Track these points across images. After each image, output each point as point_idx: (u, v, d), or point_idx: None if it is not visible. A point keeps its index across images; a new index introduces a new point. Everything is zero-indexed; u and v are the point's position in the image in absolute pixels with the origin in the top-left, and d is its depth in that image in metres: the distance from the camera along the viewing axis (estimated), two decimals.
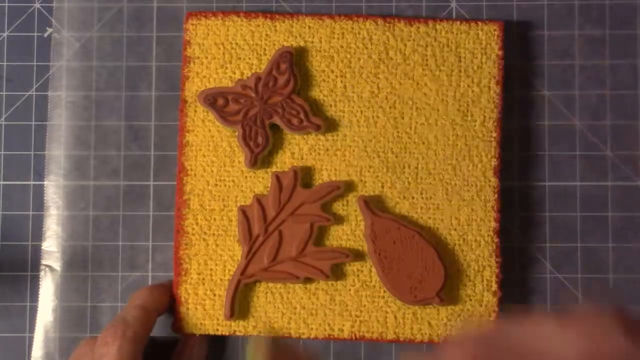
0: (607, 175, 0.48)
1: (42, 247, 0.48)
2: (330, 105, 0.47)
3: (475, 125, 0.47)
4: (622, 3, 0.49)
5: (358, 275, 0.46)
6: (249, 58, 0.47)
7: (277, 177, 0.46)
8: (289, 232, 0.46)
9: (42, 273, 0.48)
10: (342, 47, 0.47)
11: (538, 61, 0.49)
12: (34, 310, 0.48)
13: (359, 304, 0.46)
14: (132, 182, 0.48)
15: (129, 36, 0.49)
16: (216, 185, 0.47)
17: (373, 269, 0.46)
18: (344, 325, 0.46)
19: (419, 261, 0.45)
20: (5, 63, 0.49)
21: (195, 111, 0.47)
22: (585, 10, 0.49)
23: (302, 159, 0.47)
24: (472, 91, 0.47)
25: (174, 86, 0.49)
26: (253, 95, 0.46)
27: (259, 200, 0.46)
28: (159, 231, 0.48)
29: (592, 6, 0.49)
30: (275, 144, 0.47)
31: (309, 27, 0.47)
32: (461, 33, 0.47)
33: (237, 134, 0.46)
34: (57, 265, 0.48)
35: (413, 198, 0.46)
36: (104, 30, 0.49)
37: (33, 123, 0.49)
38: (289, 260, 0.46)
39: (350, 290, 0.46)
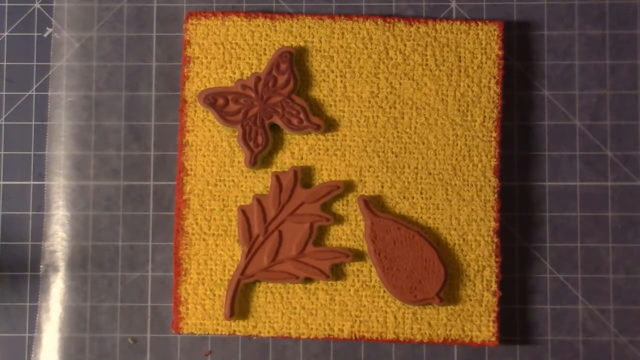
0: (607, 175, 0.48)
1: (42, 247, 0.48)
2: (330, 105, 0.47)
3: (475, 125, 0.47)
4: (622, 3, 0.49)
5: (358, 275, 0.46)
6: (249, 58, 0.47)
7: (277, 177, 0.46)
8: (289, 232, 0.46)
9: (42, 273, 0.48)
10: (342, 47, 0.47)
11: (538, 61, 0.49)
12: (33, 310, 0.48)
13: (358, 304, 0.46)
14: (132, 182, 0.48)
15: (129, 36, 0.49)
16: (216, 185, 0.47)
17: (373, 269, 0.46)
18: (343, 325, 0.46)
19: (419, 261, 0.45)
20: (5, 63, 0.49)
21: (195, 111, 0.47)
22: (585, 10, 0.49)
23: (302, 158, 0.47)
24: (472, 91, 0.47)
25: (174, 86, 0.49)
26: (253, 95, 0.46)
27: (258, 200, 0.46)
28: (159, 231, 0.48)
29: (592, 6, 0.49)
30: (275, 144, 0.47)
31: (309, 27, 0.47)
32: (461, 33, 0.47)
33: (237, 133, 0.46)
34: (57, 265, 0.48)
35: (413, 198, 0.46)
36: (104, 30, 0.49)
37: (33, 123, 0.49)
38: (289, 260, 0.46)
39: (350, 290, 0.46)
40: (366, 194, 0.46)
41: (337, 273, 0.46)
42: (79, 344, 0.47)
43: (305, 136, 0.47)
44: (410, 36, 0.47)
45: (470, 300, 0.46)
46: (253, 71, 0.47)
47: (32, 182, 0.49)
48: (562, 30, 0.49)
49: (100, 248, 0.48)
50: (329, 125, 0.47)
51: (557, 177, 0.48)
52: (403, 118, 0.47)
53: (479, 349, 0.47)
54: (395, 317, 0.46)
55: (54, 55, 0.49)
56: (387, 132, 0.47)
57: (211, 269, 0.46)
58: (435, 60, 0.47)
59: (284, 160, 0.47)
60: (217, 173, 0.47)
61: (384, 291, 0.46)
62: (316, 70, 0.47)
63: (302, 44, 0.47)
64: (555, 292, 0.48)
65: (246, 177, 0.47)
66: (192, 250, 0.46)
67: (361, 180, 0.47)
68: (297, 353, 0.47)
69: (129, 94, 0.49)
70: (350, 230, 0.46)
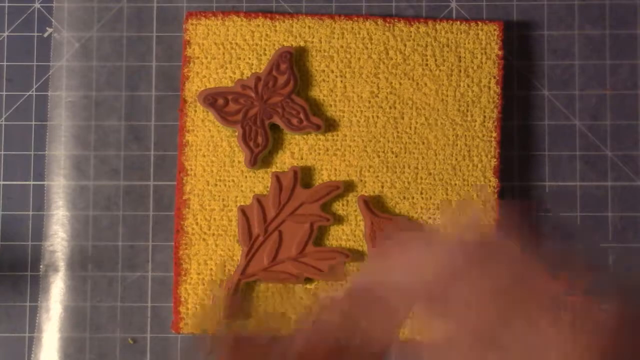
0: (607, 175, 0.48)
1: (42, 247, 0.48)
2: (330, 105, 0.47)
3: (475, 125, 0.47)
4: (622, 3, 0.49)
5: None
6: (249, 58, 0.47)
7: (277, 177, 0.46)
8: (289, 232, 0.46)
9: (42, 273, 0.48)
10: (342, 47, 0.47)
11: (538, 61, 0.49)
12: (33, 310, 0.48)
13: None
14: (132, 182, 0.48)
15: (129, 36, 0.49)
16: (216, 185, 0.47)
17: None
18: None
19: None
20: (5, 63, 0.49)
21: (195, 111, 0.47)
22: (585, 10, 0.49)
23: (302, 158, 0.47)
24: (472, 91, 0.47)
25: (174, 86, 0.49)
26: (253, 95, 0.46)
27: (258, 200, 0.46)
28: (159, 231, 0.48)
29: (592, 6, 0.49)
30: (275, 144, 0.47)
31: (309, 27, 0.47)
32: (461, 33, 0.47)
33: (237, 134, 0.46)
34: (57, 265, 0.48)
35: (413, 198, 0.46)
36: (104, 30, 0.49)
37: (33, 123, 0.49)
38: (289, 260, 0.46)
39: None
40: (366, 194, 0.46)
41: (337, 273, 0.46)
42: (79, 344, 0.47)
43: (305, 136, 0.47)
44: (410, 36, 0.47)
45: None
46: (253, 71, 0.47)
47: (32, 182, 0.49)
48: (562, 30, 0.49)
49: (100, 248, 0.48)
50: (329, 125, 0.47)
51: (557, 177, 0.48)
52: (403, 118, 0.47)
53: None
54: None
55: (54, 55, 0.49)
56: (387, 132, 0.47)
57: (211, 269, 0.46)
58: (435, 60, 0.47)
59: (284, 160, 0.47)
60: (217, 173, 0.47)
61: None
62: (316, 70, 0.47)
63: (302, 44, 0.47)
64: None
65: (246, 177, 0.47)
66: (192, 250, 0.46)
67: (361, 181, 0.47)
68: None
69: (129, 94, 0.49)
70: (350, 230, 0.46)
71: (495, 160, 0.46)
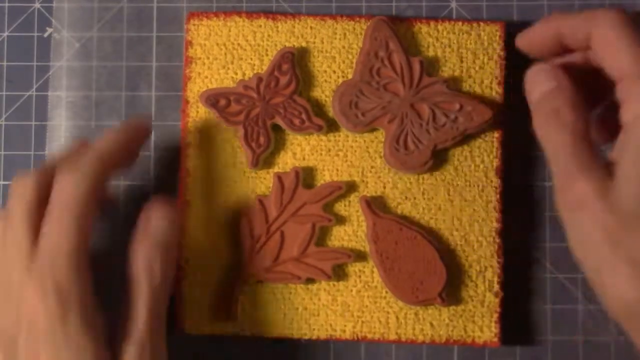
0: None
1: None
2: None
3: None
4: (622, 3, 0.49)
5: (360, 276, 0.46)
6: (251, 58, 0.47)
7: (279, 178, 0.46)
8: (291, 233, 0.46)
9: None
10: (343, 47, 0.47)
11: (539, 61, 0.49)
12: None
13: (360, 304, 0.46)
14: (132, 182, 0.48)
15: (129, 36, 0.49)
16: (217, 185, 0.47)
17: (375, 270, 0.46)
18: (345, 325, 0.46)
19: (421, 262, 0.45)
20: (5, 63, 0.49)
21: (197, 111, 0.47)
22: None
23: (303, 159, 0.47)
24: (474, 92, 0.47)
25: (174, 86, 0.49)
26: (255, 95, 0.46)
27: (260, 200, 0.46)
28: None
29: (592, 6, 0.49)
30: (277, 145, 0.47)
31: (311, 27, 0.47)
32: (463, 34, 0.47)
33: (238, 134, 0.46)
34: None
35: (415, 199, 0.46)
36: (104, 30, 0.49)
37: (33, 123, 0.49)
38: (291, 260, 0.46)
39: (352, 290, 0.46)
40: (368, 195, 0.46)
41: (339, 274, 0.46)
42: None
43: (307, 137, 0.47)
44: (412, 37, 0.47)
45: (472, 300, 0.46)
46: (255, 72, 0.47)
47: None
48: None
49: (101, 249, 0.48)
50: (331, 125, 0.47)
51: None
52: None
53: (479, 349, 0.47)
54: (397, 318, 0.46)
55: (54, 55, 0.49)
56: None
57: (211, 269, 0.46)
58: (437, 61, 0.47)
59: (286, 161, 0.47)
60: (219, 173, 0.47)
61: (386, 292, 0.46)
62: (318, 70, 0.47)
63: (304, 44, 0.47)
64: (555, 292, 0.48)
65: (248, 177, 0.47)
66: (192, 250, 0.46)
67: (363, 181, 0.47)
68: (298, 353, 0.47)
69: (129, 94, 0.49)
70: (352, 231, 0.46)
71: (497, 160, 0.47)
